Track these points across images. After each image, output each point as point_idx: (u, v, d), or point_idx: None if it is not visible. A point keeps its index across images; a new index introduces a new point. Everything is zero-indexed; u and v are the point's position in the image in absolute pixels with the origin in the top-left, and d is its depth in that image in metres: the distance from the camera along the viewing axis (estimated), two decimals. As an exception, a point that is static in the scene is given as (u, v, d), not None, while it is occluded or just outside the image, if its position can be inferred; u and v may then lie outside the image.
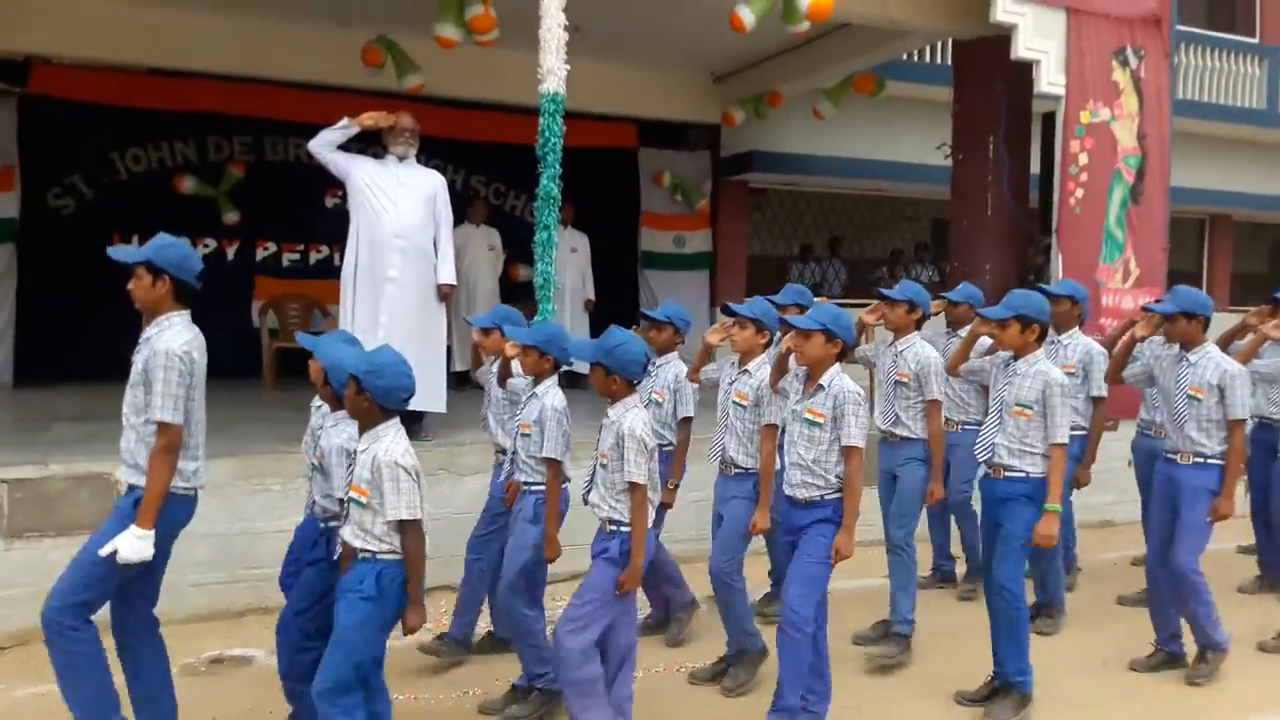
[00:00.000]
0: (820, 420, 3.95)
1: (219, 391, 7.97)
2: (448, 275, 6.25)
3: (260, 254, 9.98)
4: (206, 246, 9.74)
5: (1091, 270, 7.53)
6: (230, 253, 9.84)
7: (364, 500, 3.31)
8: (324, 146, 5.96)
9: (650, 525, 3.79)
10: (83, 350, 8.81)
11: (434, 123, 7.73)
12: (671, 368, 5.01)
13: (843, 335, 3.98)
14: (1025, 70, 7.54)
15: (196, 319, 3.72)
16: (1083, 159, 7.55)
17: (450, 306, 6.69)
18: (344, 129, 5.94)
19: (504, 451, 4.68)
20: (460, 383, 8.86)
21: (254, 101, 9.31)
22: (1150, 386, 5.14)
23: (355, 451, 3.42)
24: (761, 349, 4.59)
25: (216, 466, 5.45)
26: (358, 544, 3.34)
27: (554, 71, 5.31)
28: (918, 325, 5.10)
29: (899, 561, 5.09)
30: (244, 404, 7.63)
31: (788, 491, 4.08)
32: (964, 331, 5.36)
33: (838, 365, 4.01)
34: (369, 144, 6.66)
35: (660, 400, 4.99)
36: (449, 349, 6.77)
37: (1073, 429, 5.25)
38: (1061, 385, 4.28)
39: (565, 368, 4.36)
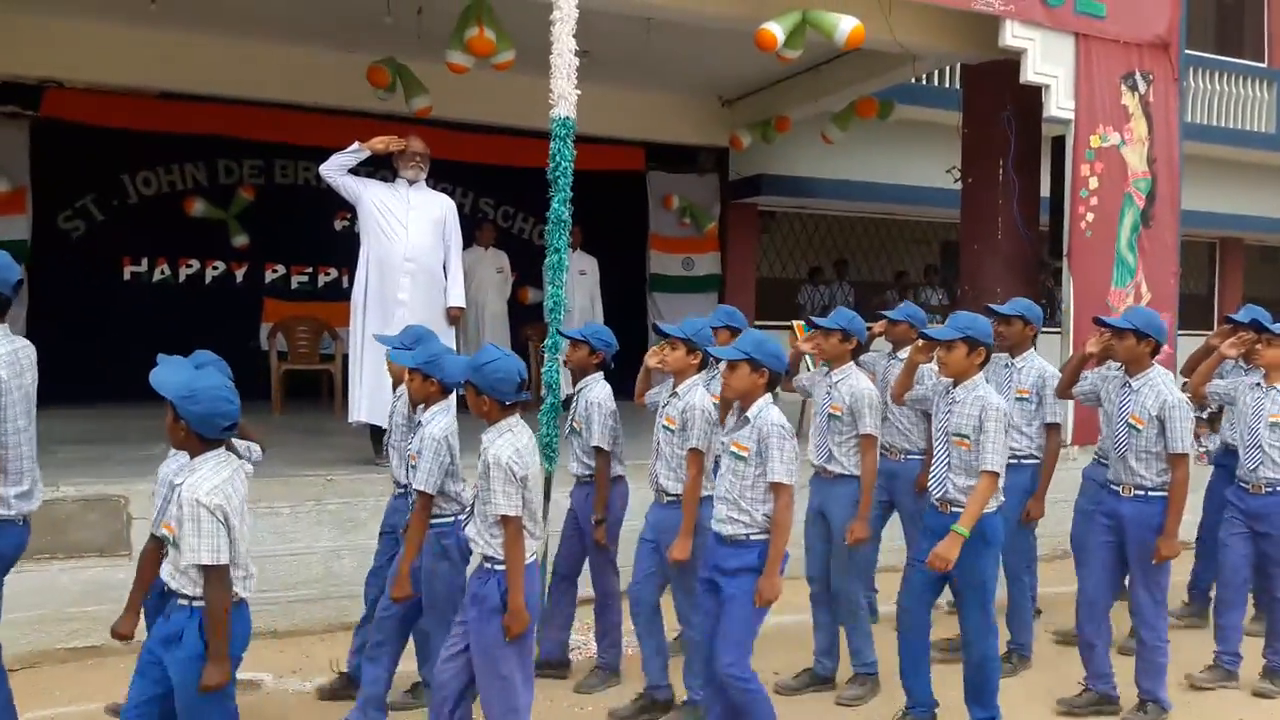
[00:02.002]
0: (745, 454, 3.75)
1: (227, 414, 8.05)
2: (457, 298, 6.25)
3: (269, 276, 10.02)
4: (216, 269, 9.80)
5: (1103, 294, 7.50)
6: (239, 275, 9.89)
7: (173, 538, 3.08)
8: (335, 170, 5.98)
9: (530, 561, 3.52)
10: (92, 373, 8.81)
11: (443, 146, 7.75)
12: (587, 393, 4.76)
13: (768, 364, 3.76)
14: (1034, 94, 7.53)
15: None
16: (1093, 183, 7.54)
17: (459, 329, 6.69)
18: (354, 153, 5.95)
19: (401, 484, 4.36)
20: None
21: (264, 125, 9.35)
22: (1098, 406, 4.83)
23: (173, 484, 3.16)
24: (694, 370, 4.40)
25: (225, 490, 5.45)
26: (173, 585, 3.10)
27: (565, 96, 5.30)
28: (853, 354, 4.84)
29: (849, 607, 4.82)
30: (252, 427, 7.59)
31: (714, 526, 3.87)
32: (904, 354, 5.10)
33: (767, 396, 3.81)
34: (379, 167, 6.68)
35: (579, 429, 4.76)
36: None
37: (1025, 458, 5.08)
38: (998, 410, 4.07)
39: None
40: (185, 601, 3.07)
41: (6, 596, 4.80)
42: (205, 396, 3.09)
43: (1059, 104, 7.44)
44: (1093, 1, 7.42)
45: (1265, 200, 13.98)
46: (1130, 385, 4.52)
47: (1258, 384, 5.05)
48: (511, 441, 3.46)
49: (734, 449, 3.80)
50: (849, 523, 4.68)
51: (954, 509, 4.13)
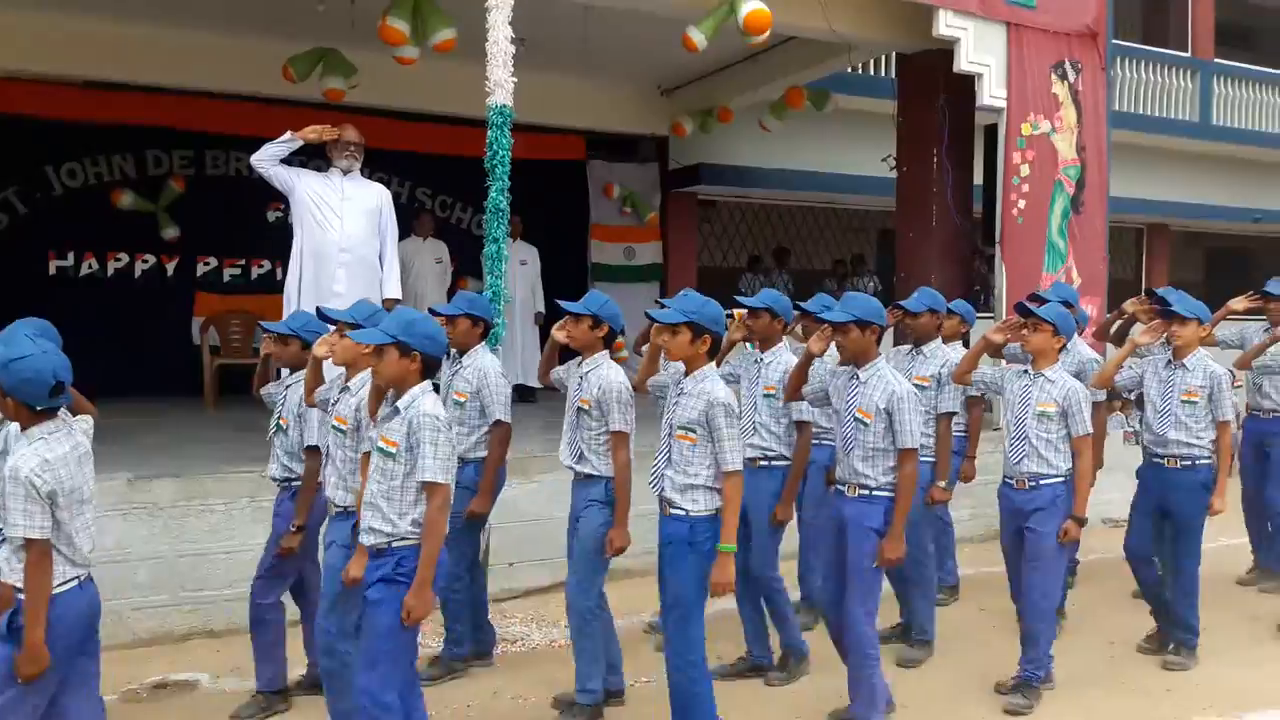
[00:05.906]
0: (393, 450, 3.33)
1: (160, 411, 7.89)
2: (393, 289, 6.19)
3: (201, 269, 9.81)
4: (146, 262, 9.57)
5: (1035, 279, 7.64)
6: (170, 268, 9.66)
7: None
8: (267, 160, 5.88)
9: (68, 589, 3.05)
10: (17, 370, 8.58)
11: (379, 135, 7.64)
12: (297, 390, 4.28)
13: (418, 346, 3.36)
14: (968, 83, 7.65)
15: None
16: (1024, 170, 7.69)
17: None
18: (287, 142, 5.86)
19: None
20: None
21: (194, 115, 9.13)
22: (827, 406, 4.39)
23: None
24: (367, 360, 3.77)
25: (159, 487, 5.34)
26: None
27: (501, 84, 5.28)
28: (605, 343, 4.38)
29: (577, 625, 4.27)
30: (185, 423, 7.48)
31: (360, 538, 3.45)
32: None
33: (423, 385, 3.41)
34: (312, 157, 6.58)
35: (285, 426, 4.33)
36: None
37: (775, 459, 4.65)
38: (725, 405, 3.67)
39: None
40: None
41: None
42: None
43: (991, 92, 7.57)
44: (1023, -8, 7.56)
45: (1190, 187, 14.35)
46: (858, 378, 4.12)
47: (1025, 371, 4.63)
48: (40, 453, 2.97)
49: (381, 444, 3.37)
50: (597, 530, 4.22)
51: (673, 510, 3.76)
